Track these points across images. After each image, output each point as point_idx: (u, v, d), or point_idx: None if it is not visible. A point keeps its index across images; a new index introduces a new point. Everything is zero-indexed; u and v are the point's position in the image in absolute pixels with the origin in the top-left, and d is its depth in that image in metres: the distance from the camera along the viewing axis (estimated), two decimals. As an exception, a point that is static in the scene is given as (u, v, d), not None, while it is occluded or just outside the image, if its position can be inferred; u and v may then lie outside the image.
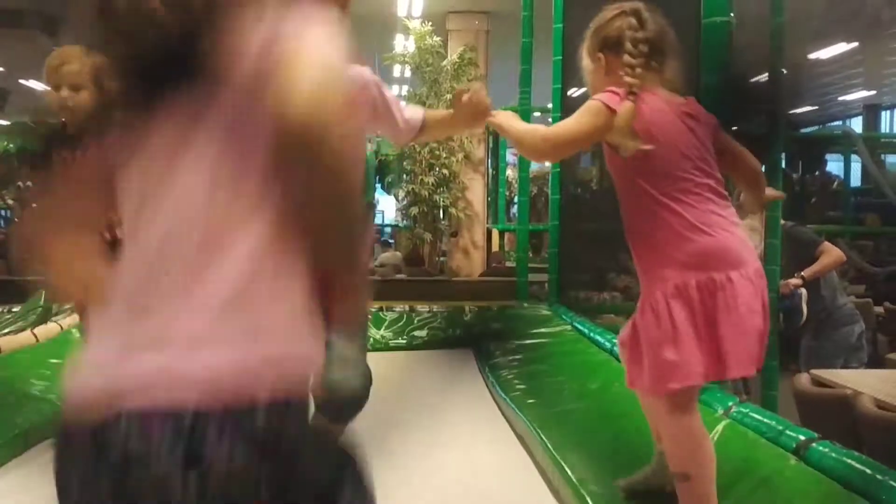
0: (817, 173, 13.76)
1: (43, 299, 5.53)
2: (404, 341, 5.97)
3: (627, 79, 2.25)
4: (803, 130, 16.80)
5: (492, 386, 4.53)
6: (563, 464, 3.00)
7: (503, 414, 4.11)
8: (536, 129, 2.39)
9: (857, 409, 4.02)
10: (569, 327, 5.31)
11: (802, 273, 5.85)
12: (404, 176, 10.61)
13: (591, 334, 4.86)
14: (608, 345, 4.48)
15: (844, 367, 5.47)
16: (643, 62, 2.29)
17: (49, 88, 2.95)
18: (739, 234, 2.28)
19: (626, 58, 2.28)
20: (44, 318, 5.11)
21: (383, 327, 6.05)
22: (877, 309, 8.70)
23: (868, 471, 2.24)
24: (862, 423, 3.97)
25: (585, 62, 2.50)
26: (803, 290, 5.77)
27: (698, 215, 2.22)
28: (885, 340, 8.42)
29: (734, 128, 3.28)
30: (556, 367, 4.44)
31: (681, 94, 2.38)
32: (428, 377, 4.58)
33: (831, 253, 5.90)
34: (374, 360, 5.56)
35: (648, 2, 2.39)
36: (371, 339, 5.86)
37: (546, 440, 3.28)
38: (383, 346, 5.86)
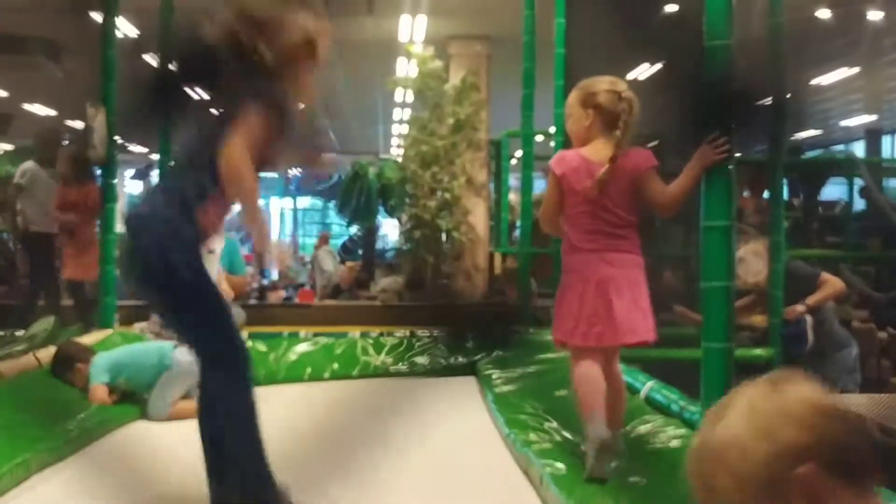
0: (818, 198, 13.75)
1: (52, 324, 5.51)
2: (405, 367, 5.91)
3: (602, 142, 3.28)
4: (805, 155, 16.82)
5: (494, 415, 4.48)
6: (569, 499, 2.95)
7: (505, 444, 4.04)
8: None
9: (864, 436, 3.97)
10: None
11: (807, 301, 5.89)
12: (407, 200, 10.60)
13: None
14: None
15: (842, 391, 5.52)
16: (619, 138, 3.25)
17: None
18: (596, 257, 3.21)
19: (616, 133, 3.24)
20: (48, 343, 5.09)
21: (384, 352, 5.99)
22: (880, 334, 8.66)
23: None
24: (868, 449, 3.92)
25: (575, 106, 3.31)
26: (808, 317, 5.82)
27: (579, 237, 3.24)
28: (889, 365, 8.38)
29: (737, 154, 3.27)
30: (561, 395, 4.39)
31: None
32: (429, 404, 4.54)
33: (832, 283, 6.06)
34: (374, 385, 5.53)
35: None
36: (371, 366, 5.82)
37: (550, 473, 3.22)
38: (384, 372, 5.81)
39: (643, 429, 3.51)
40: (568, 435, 3.65)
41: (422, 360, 6.01)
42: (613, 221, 3.20)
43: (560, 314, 3.29)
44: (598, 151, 3.24)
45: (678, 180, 3.30)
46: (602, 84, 3.28)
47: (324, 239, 16.38)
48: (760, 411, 1.05)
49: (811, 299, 5.90)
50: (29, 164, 7.78)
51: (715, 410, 1.13)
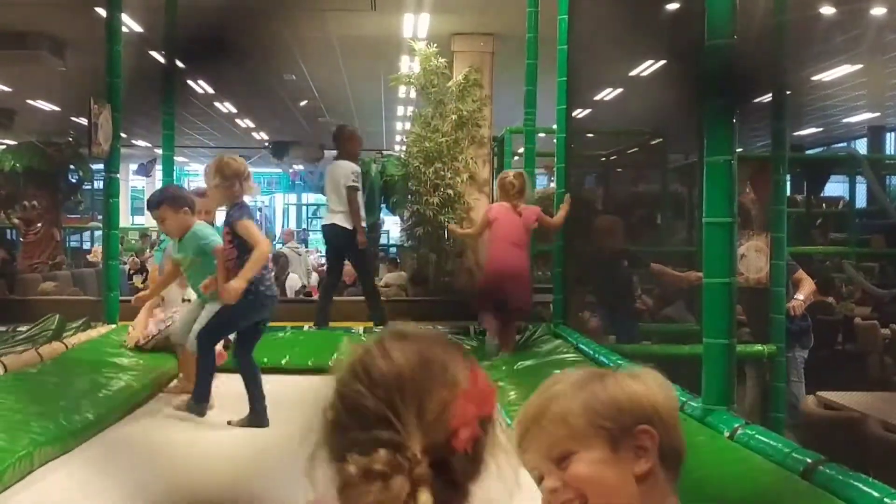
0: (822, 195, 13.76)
1: (56, 322, 5.54)
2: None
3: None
4: (808, 152, 16.83)
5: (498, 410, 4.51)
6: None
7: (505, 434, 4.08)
8: None
9: (865, 432, 4.00)
10: (573, 348, 5.29)
11: (800, 297, 5.95)
12: (409, 196, 10.61)
13: (596, 356, 4.84)
14: (612, 366, 4.46)
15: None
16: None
17: None
18: (509, 262, 5.75)
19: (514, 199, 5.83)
20: (53, 340, 5.12)
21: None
22: (883, 331, 8.67)
23: (875, 493, 2.22)
24: (869, 445, 3.95)
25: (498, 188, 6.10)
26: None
27: (494, 252, 5.87)
28: (892, 363, 8.39)
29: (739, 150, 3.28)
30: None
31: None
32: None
33: (809, 280, 6.18)
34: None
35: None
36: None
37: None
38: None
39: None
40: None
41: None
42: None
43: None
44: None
45: (556, 218, 6.17)
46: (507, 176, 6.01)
47: (289, 235, 16.56)
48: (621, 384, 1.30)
49: (804, 296, 5.97)
50: None
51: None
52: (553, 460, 1.24)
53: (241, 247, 4.16)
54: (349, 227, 6.48)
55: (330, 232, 6.66)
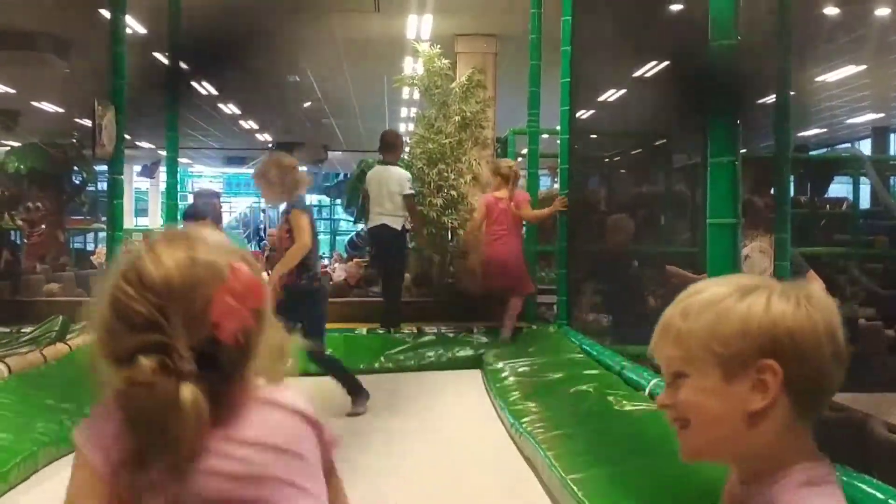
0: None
1: (59, 324, 5.54)
2: (412, 362, 5.94)
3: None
4: (812, 153, 16.79)
5: (499, 408, 4.51)
6: (570, 485, 2.98)
7: (510, 435, 4.09)
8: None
9: (869, 433, 3.99)
10: (577, 349, 5.29)
11: None
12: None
13: (600, 356, 4.84)
14: (617, 367, 4.46)
15: None
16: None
17: None
18: (502, 246, 6.70)
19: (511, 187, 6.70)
20: (57, 341, 5.13)
21: (391, 347, 6.03)
22: (887, 332, 8.65)
23: (880, 495, 2.22)
24: (873, 446, 3.94)
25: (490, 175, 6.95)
26: None
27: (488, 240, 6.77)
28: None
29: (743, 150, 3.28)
30: (564, 389, 4.42)
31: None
32: (435, 398, 4.56)
33: (820, 282, 6.14)
34: (382, 380, 5.55)
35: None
36: (379, 361, 5.84)
37: (553, 461, 3.25)
38: (392, 367, 5.84)
39: (640, 415, 3.52)
40: (568, 424, 3.67)
41: (429, 353, 6.05)
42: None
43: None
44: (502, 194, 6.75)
45: (537, 212, 6.93)
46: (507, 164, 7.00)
47: None
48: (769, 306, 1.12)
49: None
50: None
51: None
52: (669, 376, 1.17)
53: (293, 238, 4.40)
54: (398, 227, 6.82)
55: (382, 232, 6.85)
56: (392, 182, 6.77)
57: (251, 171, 16.61)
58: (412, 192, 6.92)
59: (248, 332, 1.15)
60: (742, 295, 1.14)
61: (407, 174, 7.03)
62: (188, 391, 1.09)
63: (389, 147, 7.06)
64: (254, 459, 1.15)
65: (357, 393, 4.62)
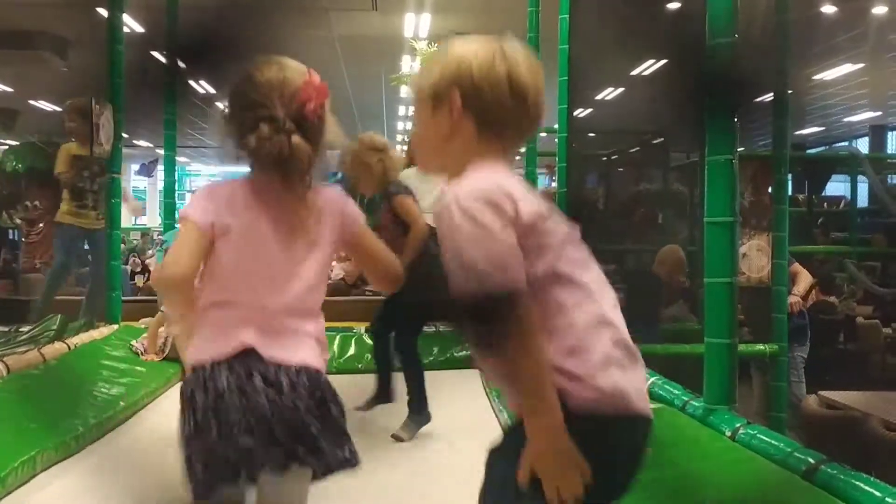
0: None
1: (57, 322, 5.53)
2: (410, 362, 5.91)
3: None
4: (809, 151, 16.82)
5: (498, 409, 4.51)
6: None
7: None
8: None
9: (867, 431, 4.00)
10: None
11: (798, 293, 5.94)
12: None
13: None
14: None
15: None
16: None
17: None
18: None
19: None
20: (56, 340, 5.12)
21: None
22: (885, 330, 8.66)
23: (877, 493, 2.23)
24: (871, 444, 3.95)
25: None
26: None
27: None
28: (894, 362, 8.39)
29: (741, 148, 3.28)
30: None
31: None
32: (433, 398, 4.56)
33: (806, 273, 6.14)
34: (375, 380, 5.53)
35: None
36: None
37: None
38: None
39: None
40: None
41: (427, 353, 6.02)
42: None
43: None
44: None
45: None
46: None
47: None
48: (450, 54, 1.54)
49: (800, 291, 5.96)
50: None
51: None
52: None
53: (399, 226, 3.86)
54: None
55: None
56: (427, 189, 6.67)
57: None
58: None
59: (320, 113, 1.83)
60: (454, 44, 1.55)
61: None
62: (296, 138, 1.78)
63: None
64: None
65: (418, 412, 4.05)
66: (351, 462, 1.88)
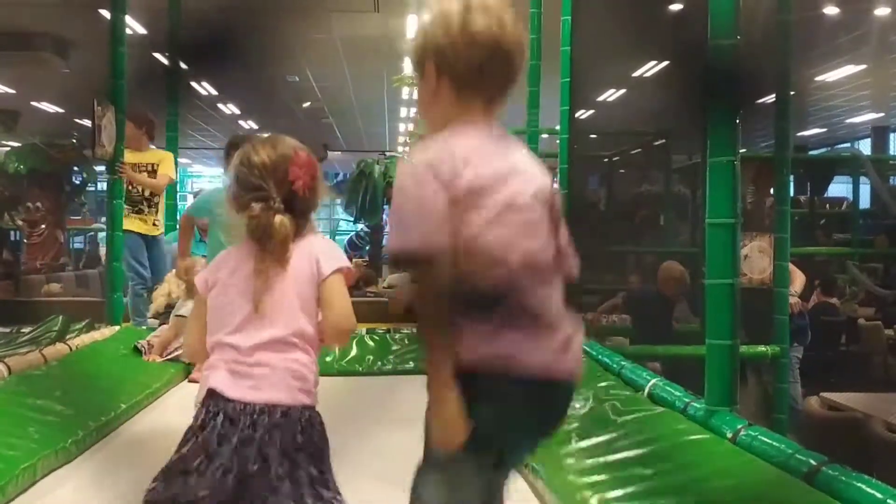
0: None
1: (60, 323, 5.54)
2: (411, 364, 5.89)
3: None
4: (811, 152, 16.80)
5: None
6: (569, 489, 2.97)
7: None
8: None
9: (868, 433, 4.00)
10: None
11: (794, 292, 5.95)
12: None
13: (599, 357, 4.84)
14: (616, 367, 4.45)
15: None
16: None
17: None
18: None
19: None
20: (57, 341, 5.12)
21: (390, 350, 5.98)
22: (887, 332, 8.65)
23: (879, 495, 2.22)
24: (873, 446, 3.94)
25: None
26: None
27: None
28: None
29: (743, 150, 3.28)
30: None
31: None
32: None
33: (800, 273, 6.15)
34: (381, 382, 5.52)
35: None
36: (377, 364, 5.79)
37: (547, 470, 3.22)
38: (391, 369, 5.78)
39: (639, 417, 3.52)
40: (567, 426, 3.66)
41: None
42: None
43: None
44: None
45: None
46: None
47: None
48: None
49: (795, 288, 5.97)
50: None
51: None
52: None
53: None
54: None
55: None
56: None
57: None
58: None
59: (310, 189, 2.01)
60: (424, 12, 1.73)
61: None
62: (278, 218, 1.95)
63: None
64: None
65: None
66: None
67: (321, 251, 2.03)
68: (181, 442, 1.95)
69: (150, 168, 6.25)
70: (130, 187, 6.14)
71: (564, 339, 1.64)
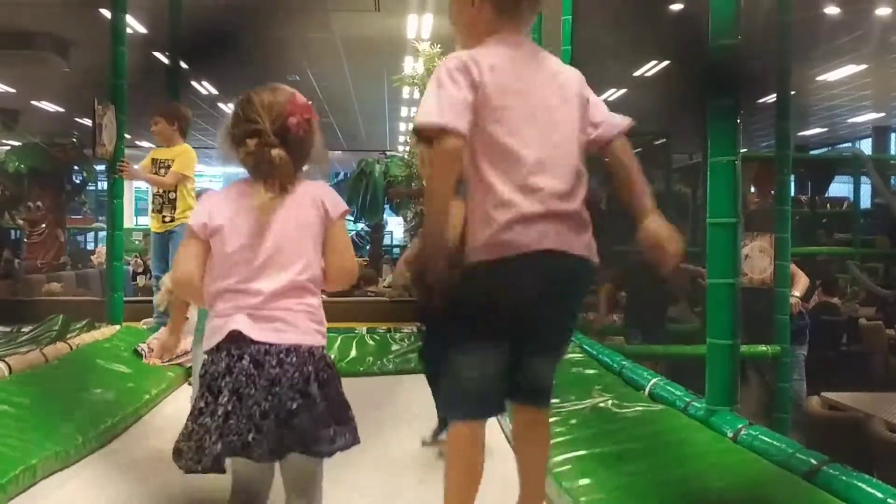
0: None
1: (59, 322, 5.53)
2: (412, 364, 5.88)
3: None
4: (812, 152, 16.80)
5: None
6: (569, 489, 2.97)
7: (507, 437, 4.06)
8: None
9: (869, 432, 3.99)
10: (577, 348, 5.28)
11: (796, 294, 5.95)
12: (412, 197, 10.60)
13: (600, 356, 4.84)
14: (617, 367, 4.45)
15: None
16: None
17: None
18: None
19: None
20: (57, 340, 5.11)
21: (390, 350, 5.98)
22: (888, 332, 8.65)
23: (879, 494, 2.22)
24: (874, 445, 3.94)
25: None
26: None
27: None
28: (896, 363, 8.36)
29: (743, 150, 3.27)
30: (563, 390, 4.40)
31: None
32: (433, 404, 4.55)
33: (802, 275, 6.14)
34: (382, 382, 5.51)
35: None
36: (377, 364, 5.77)
37: (554, 468, 3.22)
38: (392, 369, 5.77)
39: (640, 416, 3.52)
40: (567, 426, 3.66)
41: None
42: None
43: None
44: None
45: None
46: None
47: None
48: None
49: (798, 290, 5.97)
50: None
51: None
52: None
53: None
54: None
55: None
56: None
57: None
58: None
59: (304, 127, 2.09)
60: None
61: None
62: (275, 151, 2.04)
63: None
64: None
65: None
66: (342, 444, 2.10)
67: (324, 194, 2.12)
68: (199, 395, 2.01)
69: (167, 165, 6.21)
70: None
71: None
